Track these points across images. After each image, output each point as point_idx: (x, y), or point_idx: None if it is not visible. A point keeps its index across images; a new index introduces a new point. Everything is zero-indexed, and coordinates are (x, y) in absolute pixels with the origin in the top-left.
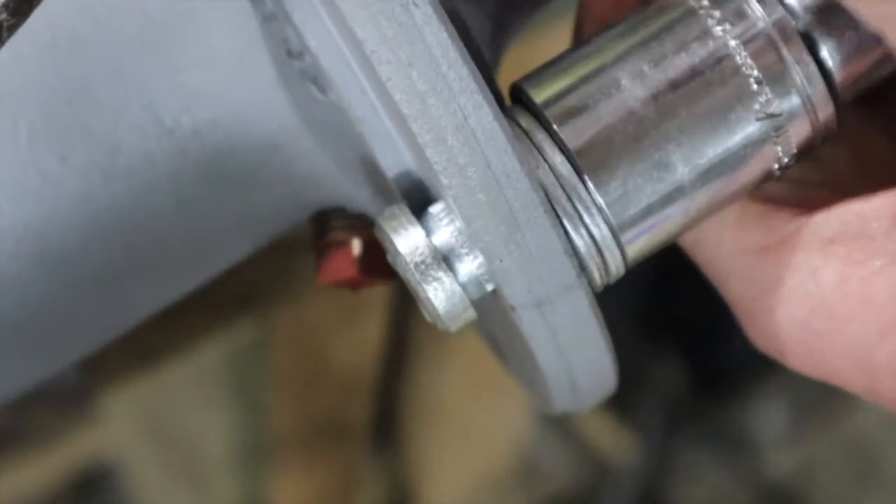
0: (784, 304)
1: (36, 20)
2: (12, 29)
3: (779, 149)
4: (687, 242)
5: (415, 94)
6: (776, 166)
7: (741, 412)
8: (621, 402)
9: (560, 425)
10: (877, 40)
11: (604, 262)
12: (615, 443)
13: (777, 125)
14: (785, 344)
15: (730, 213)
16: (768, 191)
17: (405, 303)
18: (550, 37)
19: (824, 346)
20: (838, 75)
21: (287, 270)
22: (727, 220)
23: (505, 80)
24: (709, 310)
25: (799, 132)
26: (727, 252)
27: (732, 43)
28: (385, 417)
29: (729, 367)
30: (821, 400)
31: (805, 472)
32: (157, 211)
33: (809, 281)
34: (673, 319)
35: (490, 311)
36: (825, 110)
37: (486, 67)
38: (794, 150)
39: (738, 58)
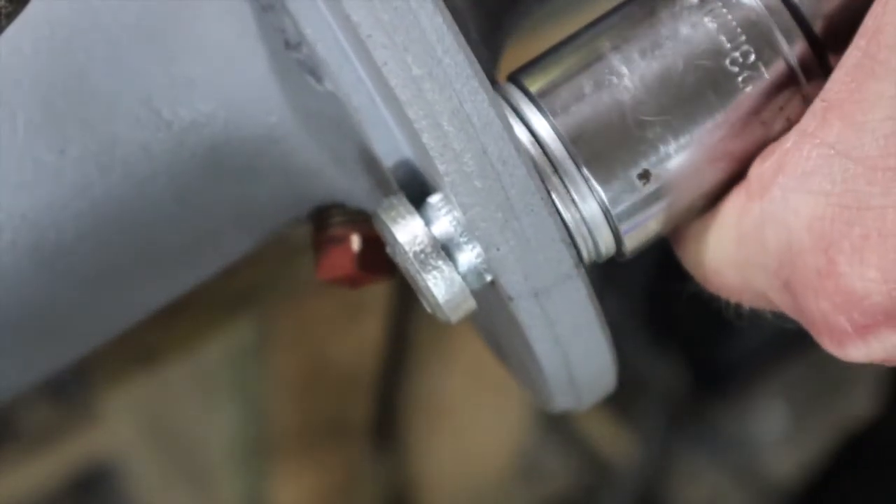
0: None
1: (34, 11)
2: (11, 16)
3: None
4: None
5: (410, 79)
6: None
7: (741, 412)
8: (621, 402)
9: (560, 425)
10: None
11: (594, 239)
12: (615, 443)
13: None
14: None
15: None
16: None
17: (405, 303)
18: (550, 37)
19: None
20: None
21: (287, 270)
22: None
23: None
24: (709, 310)
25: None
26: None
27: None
28: (385, 417)
29: (729, 367)
30: (821, 400)
31: (805, 472)
32: (155, 203)
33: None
34: (673, 319)
35: (490, 306)
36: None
37: (485, 63)
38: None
39: (734, 52)
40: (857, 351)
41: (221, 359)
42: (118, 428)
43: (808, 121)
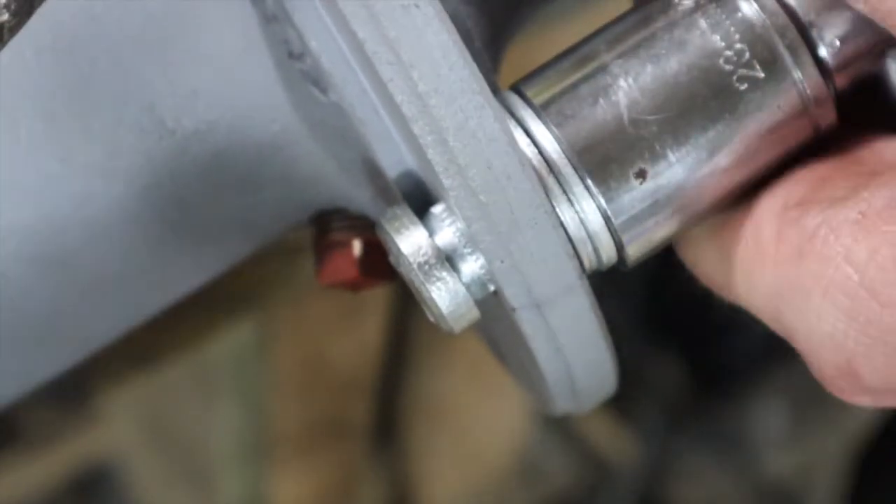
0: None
1: (36, 21)
2: (13, 30)
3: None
4: (715, 280)
5: (416, 95)
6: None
7: (741, 412)
8: (621, 403)
9: (560, 425)
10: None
11: (595, 248)
12: (615, 443)
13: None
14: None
15: (762, 233)
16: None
17: (405, 303)
18: (551, 38)
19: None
20: (831, 59)
21: (287, 271)
22: (758, 243)
23: (505, 81)
24: (709, 310)
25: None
26: (765, 278)
27: (716, 37)
28: (385, 417)
29: (729, 367)
30: (821, 400)
31: (805, 472)
32: (158, 210)
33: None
34: (673, 319)
35: (491, 311)
36: (819, 94)
37: (486, 69)
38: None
39: (727, 51)
40: (863, 401)
41: (221, 359)
42: (118, 428)
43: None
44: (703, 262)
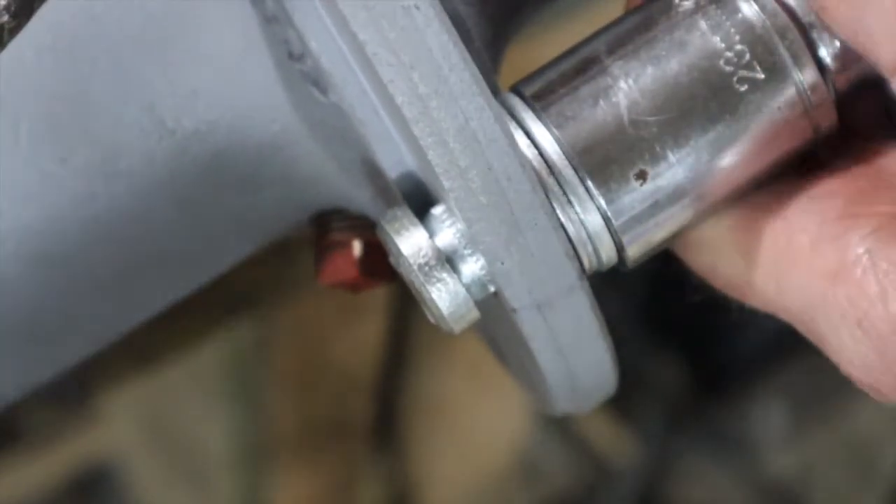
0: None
1: (36, 21)
2: (13, 31)
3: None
4: (735, 281)
5: (416, 96)
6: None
7: (741, 412)
8: (621, 403)
9: (560, 425)
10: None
11: (595, 249)
12: (615, 443)
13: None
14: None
15: (798, 240)
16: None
17: (405, 303)
18: (551, 38)
19: None
20: (831, 60)
21: (287, 271)
22: (797, 248)
23: (505, 81)
24: (709, 310)
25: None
26: (797, 283)
27: (716, 38)
28: (385, 417)
29: (729, 367)
30: (821, 400)
31: (805, 472)
32: (158, 211)
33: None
34: (673, 319)
35: (491, 312)
36: (819, 95)
37: (486, 69)
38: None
39: (728, 52)
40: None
41: (221, 359)
42: (118, 428)
43: None
44: (723, 265)
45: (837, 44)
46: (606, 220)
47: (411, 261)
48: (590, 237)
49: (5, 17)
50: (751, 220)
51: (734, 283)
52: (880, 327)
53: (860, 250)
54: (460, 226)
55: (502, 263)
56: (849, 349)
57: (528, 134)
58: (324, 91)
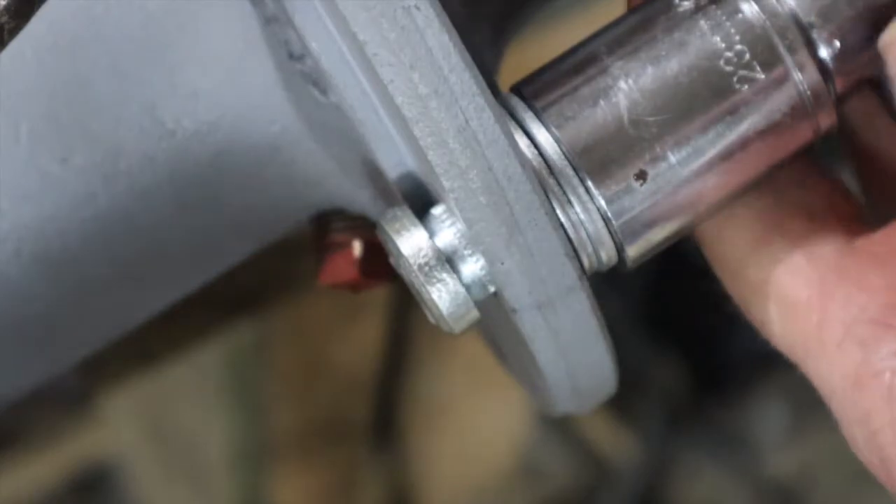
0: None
1: (37, 22)
2: (13, 32)
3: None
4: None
5: (416, 96)
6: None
7: (741, 412)
8: (621, 403)
9: (560, 425)
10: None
11: (595, 249)
12: (615, 443)
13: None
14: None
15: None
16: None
17: (405, 303)
18: (551, 38)
19: None
20: (832, 61)
21: (287, 271)
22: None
23: (506, 81)
24: (709, 310)
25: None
26: (820, 366)
27: (716, 38)
28: (385, 417)
29: (729, 367)
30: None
31: (805, 472)
32: (158, 212)
33: None
34: (673, 319)
35: (491, 312)
36: (819, 96)
37: (486, 69)
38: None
39: (728, 53)
40: None
41: (221, 359)
42: (118, 428)
43: None
44: (753, 308)
45: (837, 44)
46: (606, 220)
47: (411, 261)
48: (590, 237)
49: (5, 18)
50: (797, 266)
51: (757, 319)
52: (889, 452)
53: (887, 363)
54: (460, 226)
55: (502, 264)
56: (858, 444)
57: (528, 134)
58: (324, 91)
